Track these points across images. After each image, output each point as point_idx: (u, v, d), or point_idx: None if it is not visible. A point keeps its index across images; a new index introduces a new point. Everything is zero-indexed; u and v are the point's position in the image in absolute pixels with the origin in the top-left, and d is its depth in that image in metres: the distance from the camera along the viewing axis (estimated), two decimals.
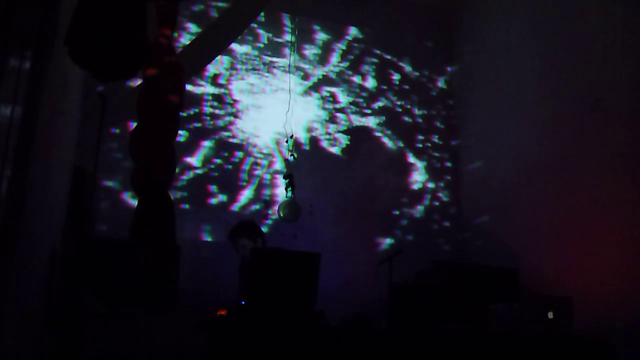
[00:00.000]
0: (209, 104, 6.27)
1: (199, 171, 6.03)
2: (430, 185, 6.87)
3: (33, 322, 3.18)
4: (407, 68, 7.19)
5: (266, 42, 6.66)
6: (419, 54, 7.26)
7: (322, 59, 6.85)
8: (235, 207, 6.06)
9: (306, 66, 6.75)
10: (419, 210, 6.73)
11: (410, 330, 3.61)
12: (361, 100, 6.88)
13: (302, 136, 6.49)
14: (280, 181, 6.02)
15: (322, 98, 6.74)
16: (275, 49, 6.67)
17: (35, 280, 3.10)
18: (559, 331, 3.87)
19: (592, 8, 5.05)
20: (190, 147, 6.04)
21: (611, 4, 4.85)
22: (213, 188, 6.04)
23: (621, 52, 4.68)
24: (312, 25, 6.89)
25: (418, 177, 6.86)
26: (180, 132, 4.96)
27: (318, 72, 6.79)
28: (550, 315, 3.91)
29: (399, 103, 7.03)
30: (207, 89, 6.30)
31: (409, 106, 7.06)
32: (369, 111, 6.87)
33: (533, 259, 5.25)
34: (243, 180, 6.17)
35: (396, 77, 7.11)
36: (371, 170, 6.66)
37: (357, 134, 6.75)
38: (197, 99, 6.20)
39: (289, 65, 6.52)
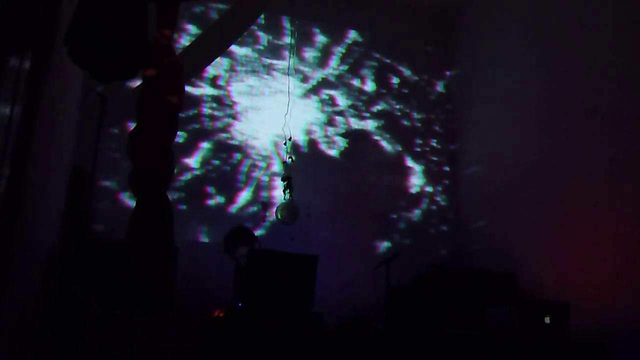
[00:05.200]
0: (208, 105, 6.27)
1: (197, 172, 6.03)
2: (428, 189, 6.88)
3: (31, 323, 3.17)
4: (407, 72, 7.20)
5: (266, 44, 6.67)
6: (419, 58, 7.28)
7: (322, 62, 6.86)
8: (233, 208, 6.06)
9: (305, 69, 6.76)
10: (416, 214, 6.73)
11: (408, 334, 3.61)
12: (360, 103, 6.89)
13: (301, 139, 6.49)
14: (279, 183, 6.03)
15: (321, 101, 6.74)
16: (274, 51, 6.68)
17: (32, 280, 3.10)
18: (555, 336, 3.88)
19: (591, 14, 5.07)
20: (189, 148, 6.04)
21: (609, 11, 4.87)
22: (211, 189, 6.04)
23: (618, 58, 4.70)
24: (312, 28, 6.91)
25: (416, 181, 6.87)
26: (179, 133, 4.96)
27: (317, 75, 6.80)
28: (547, 320, 3.92)
29: (397, 107, 7.04)
30: (207, 90, 6.31)
31: (407, 110, 7.07)
32: (367, 114, 6.88)
33: (530, 264, 5.26)
34: (241, 181, 6.17)
35: (395, 81, 7.13)
36: (369, 173, 6.67)
37: (356, 137, 6.76)
38: (196, 101, 6.21)
39: (289, 68, 6.53)
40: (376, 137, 6.85)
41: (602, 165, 4.70)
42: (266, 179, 6.26)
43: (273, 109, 6.38)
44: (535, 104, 5.66)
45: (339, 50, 6.98)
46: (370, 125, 6.86)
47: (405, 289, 4.52)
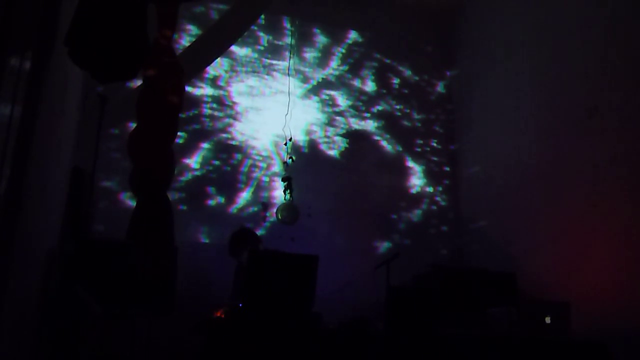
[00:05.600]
0: (208, 105, 6.28)
1: (197, 172, 6.03)
2: (429, 189, 6.88)
3: (30, 322, 3.18)
4: (407, 72, 7.20)
5: (266, 44, 6.67)
6: (419, 59, 7.28)
7: (322, 62, 6.86)
8: (233, 209, 6.06)
9: (306, 69, 6.76)
10: (417, 214, 6.73)
11: (408, 334, 3.61)
12: (360, 103, 6.89)
13: (301, 139, 6.49)
14: (279, 184, 6.02)
15: (322, 101, 6.75)
16: (275, 51, 6.68)
17: (32, 280, 3.10)
18: (556, 336, 3.87)
19: (591, 15, 5.07)
20: (189, 148, 6.05)
21: (609, 12, 4.87)
22: (211, 190, 6.04)
23: (619, 58, 4.70)
24: (312, 28, 6.91)
25: (416, 181, 6.87)
26: (179, 133, 4.96)
27: (318, 75, 6.80)
28: (548, 320, 3.91)
29: (398, 107, 7.04)
30: (207, 90, 6.31)
31: (408, 110, 7.07)
32: (368, 115, 6.89)
33: (531, 264, 5.26)
34: (241, 182, 6.18)
35: (396, 81, 7.13)
36: (369, 174, 6.67)
37: (356, 138, 6.76)
38: (197, 101, 6.21)
39: (289, 68, 6.53)
40: (376, 138, 6.85)
41: (602, 165, 4.70)
42: (266, 179, 6.26)
43: (273, 110, 6.38)
44: (536, 104, 5.66)
45: (340, 50, 6.98)
46: (370, 125, 6.87)
47: (406, 289, 4.51)
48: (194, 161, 6.05)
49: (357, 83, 6.95)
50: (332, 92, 6.82)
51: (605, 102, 4.76)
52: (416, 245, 6.52)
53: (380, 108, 6.96)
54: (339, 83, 6.88)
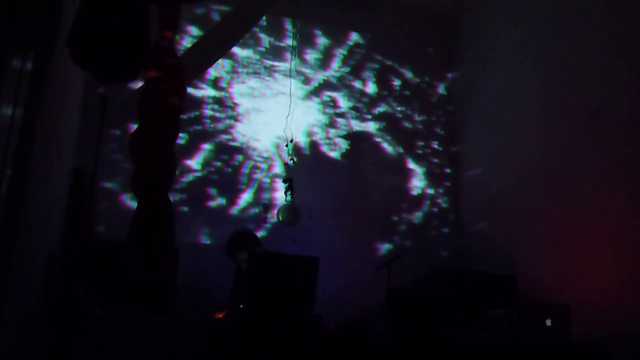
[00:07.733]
0: (209, 107, 6.28)
1: (198, 174, 6.04)
2: (430, 191, 6.88)
3: (31, 323, 3.18)
4: (408, 74, 7.21)
5: (267, 46, 6.67)
6: (420, 60, 7.28)
7: (323, 64, 6.87)
8: (234, 210, 6.06)
9: (307, 70, 6.77)
10: (417, 216, 6.73)
11: (408, 336, 3.61)
12: (361, 105, 6.90)
13: (302, 140, 6.50)
14: (280, 185, 6.03)
15: (323, 102, 6.75)
16: (276, 53, 6.68)
17: (33, 281, 3.10)
18: (556, 338, 3.87)
19: (592, 17, 5.07)
20: (190, 149, 6.05)
21: (611, 13, 4.87)
22: (212, 191, 6.04)
23: (620, 60, 4.69)
24: (314, 29, 6.91)
25: (417, 183, 6.87)
26: (180, 134, 4.95)
27: (319, 77, 6.80)
28: (548, 322, 3.91)
29: (399, 109, 7.05)
30: (208, 92, 6.32)
31: (409, 112, 7.08)
32: (369, 116, 6.89)
33: (531, 266, 5.25)
34: (242, 183, 6.18)
35: (397, 82, 7.13)
36: (370, 175, 6.68)
37: (357, 139, 6.76)
38: (198, 102, 6.21)
39: (290, 70, 6.53)
40: (377, 139, 6.86)
41: (603, 168, 4.70)
42: (267, 180, 6.26)
43: (274, 111, 6.38)
44: (537, 106, 5.66)
45: (341, 52, 6.98)
46: (371, 127, 6.87)
47: (406, 290, 4.51)
48: (195, 162, 6.05)
49: (358, 84, 6.95)
50: (333, 94, 6.82)
51: (607, 104, 4.76)
52: (417, 246, 6.52)
53: (381, 109, 6.96)
54: (340, 84, 6.88)
